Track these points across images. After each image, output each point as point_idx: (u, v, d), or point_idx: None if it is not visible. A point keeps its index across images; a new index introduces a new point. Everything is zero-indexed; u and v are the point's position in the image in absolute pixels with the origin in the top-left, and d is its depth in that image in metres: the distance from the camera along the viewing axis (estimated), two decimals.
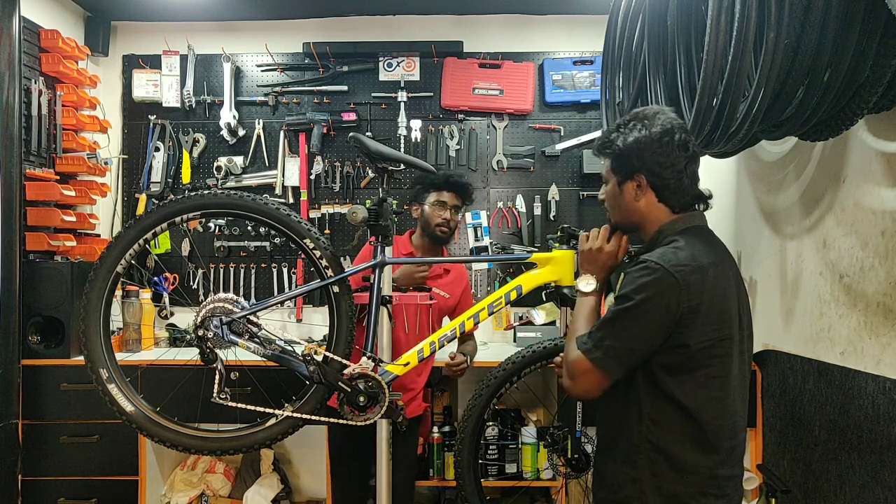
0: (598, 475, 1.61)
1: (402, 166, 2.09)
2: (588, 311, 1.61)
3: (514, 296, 1.96)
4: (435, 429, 2.95)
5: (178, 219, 1.96)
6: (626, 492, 1.48)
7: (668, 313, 1.39)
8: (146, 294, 3.12)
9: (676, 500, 1.44)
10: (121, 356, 2.31)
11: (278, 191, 3.49)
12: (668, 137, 1.47)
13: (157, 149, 3.49)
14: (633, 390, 1.48)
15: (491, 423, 2.86)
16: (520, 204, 3.50)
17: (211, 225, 3.45)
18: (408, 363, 1.95)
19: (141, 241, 1.96)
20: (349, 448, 2.50)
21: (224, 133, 3.48)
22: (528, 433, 2.90)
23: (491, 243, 3.46)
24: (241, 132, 3.50)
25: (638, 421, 1.46)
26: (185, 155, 3.50)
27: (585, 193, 3.48)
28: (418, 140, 3.50)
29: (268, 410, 1.96)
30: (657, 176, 1.50)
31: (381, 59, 3.52)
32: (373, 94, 3.52)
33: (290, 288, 3.45)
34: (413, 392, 2.59)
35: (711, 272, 1.43)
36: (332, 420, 1.98)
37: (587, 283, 1.66)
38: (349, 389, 1.87)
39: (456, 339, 2.05)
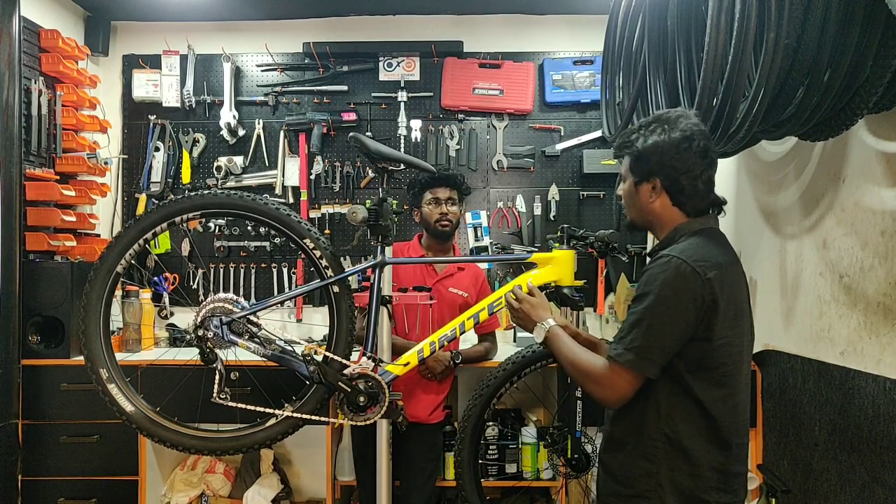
0: (607, 471, 1.61)
1: (402, 166, 2.09)
2: (565, 339, 1.63)
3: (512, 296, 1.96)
4: None
5: (178, 219, 1.97)
6: (642, 486, 1.50)
7: (695, 306, 1.42)
8: (146, 294, 3.12)
9: (690, 494, 1.47)
10: (121, 356, 2.31)
11: (278, 191, 3.49)
12: (686, 144, 1.49)
13: (157, 149, 3.49)
14: (650, 386, 1.49)
15: (491, 423, 2.86)
16: (520, 204, 3.50)
17: (211, 225, 3.45)
18: (408, 363, 1.95)
19: (141, 241, 1.97)
20: (372, 448, 2.49)
21: (224, 133, 3.48)
22: (528, 433, 2.89)
23: (491, 243, 3.47)
24: (241, 132, 3.50)
25: (655, 416, 1.48)
26: (185, 155, 3.50)
27: (585, 193, 3.48)
28: (418, 140, 3.50)
29: (268, 410, 1.96)
30: (672, 180, 1.52)
31: (381, 59, 3.52)
32: (373, 94, 3.52)
33: (290, 288, 3.45)
34: (439, 398, 2.60)
35: (729, 271, 1.47)
36: (331, 420, 1.99)
37: (540, 331, 1.68)
38: (349, 389, 1.87)
39: (457, 339, 2.04)
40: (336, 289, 1.98)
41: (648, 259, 1.55)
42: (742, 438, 1.53)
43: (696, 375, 1.46)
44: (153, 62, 3.52)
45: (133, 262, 2.05)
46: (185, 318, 3.24)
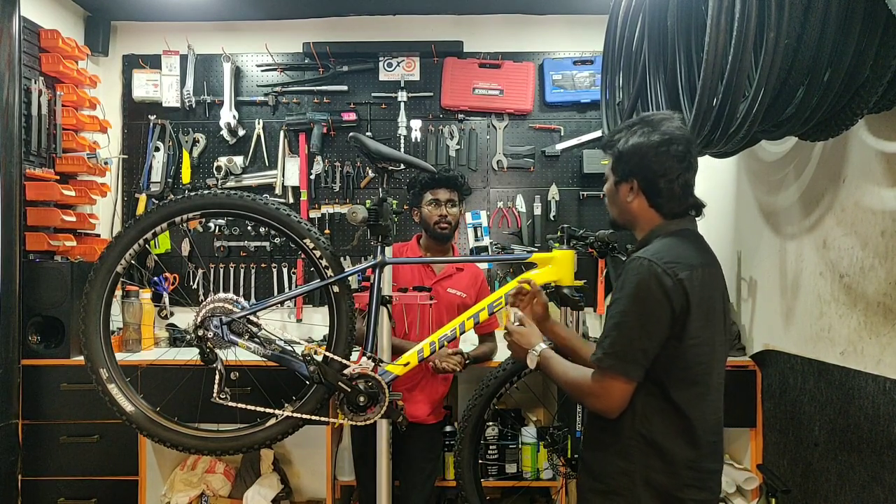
0: (586, 467, 1.65)
1: (402, 166, 2.09)
2: (554, 360, 1.66)
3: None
4: None
5: (178, 219, 1.97)
6: (615, 482, 1.53)
7: (669, 306, 1.43)
8: (146, 294, 3.12)
9: (664, 492, 1.49)
10: (121, 356, 2.31)
11: (278, 191, 3.49)
12: (664, 147, 1.51)
13: (157, 149, 3.49)
14: None
15: (491, 423, 2.86)
16: (520, 204, 3.50)
17: (211, 225, 3.45)
18: (408, 363, 1.95)
19: (141, 241, 1.97)
20: (371, 448, 2.48)
21: (224, 133, 3.48)
22: (528, 433, 2.89)
23: (491, 243, 3.47)
24: (241, 132, 3.50)
25: (631, 415, 1.50)
26: (185, 155, 3.50)
27: (585, 193, 3.48)
28: (418, 140, 3.50)
29: (268, 410, 1.96)
30: (649, 182, 1.55)
31: (381, 59, 3.52)
32: (373, 94, 3.52)
33: (290, 288, 3.45)
34: (439, 398, 2.60)
35: (699, 272, 1.49)
36: (331, 420, 1.99)
37: (532, 358, 1.69)
38: (349, 389, 1.87)
39: (457, 339, 2.04)
40: (336, 289, 1.98)
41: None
42: (714, 437, 1.55)
43: (669, 375, 1.48)
44: (153, 62, 3.52)
45: (133, 262, 2.05)
46: (185, 318, 3.24)
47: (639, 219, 1.60)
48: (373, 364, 1.91)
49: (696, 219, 1.62)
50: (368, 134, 3.47)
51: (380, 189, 2.02)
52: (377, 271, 1.96)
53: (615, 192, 1.63)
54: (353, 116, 3.47)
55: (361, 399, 1.87)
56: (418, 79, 3.53)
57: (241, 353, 1.93)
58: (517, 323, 1.78)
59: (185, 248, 3.45)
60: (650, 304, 1.44)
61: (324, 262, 1.96)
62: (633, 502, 1.50)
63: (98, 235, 3.36)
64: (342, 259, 3.19)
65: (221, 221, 3.44)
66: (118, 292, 2.40)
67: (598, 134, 3.45)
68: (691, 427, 1.49)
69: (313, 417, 1.95)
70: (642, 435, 1.49)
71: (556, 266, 1.94)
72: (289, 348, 1.97)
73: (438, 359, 2.44)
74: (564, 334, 1.86)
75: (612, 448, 1.53)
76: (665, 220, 1.57)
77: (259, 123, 3.51)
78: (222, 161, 3.44)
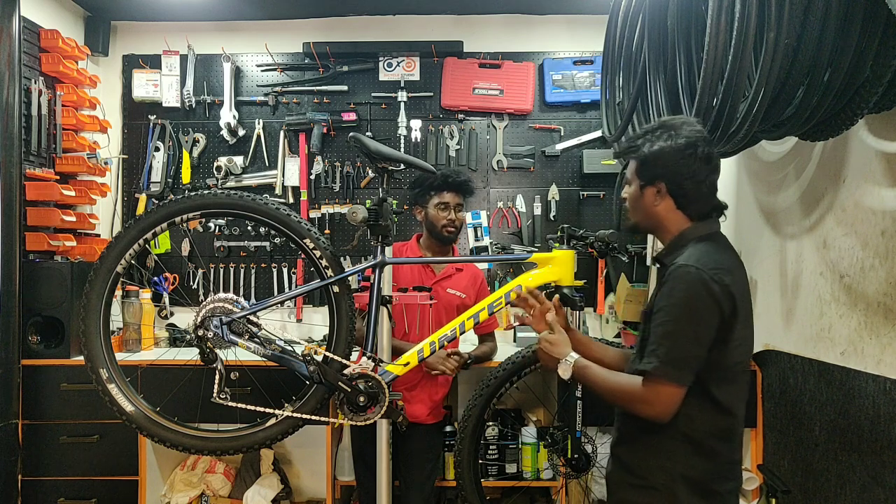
0: (620, 464, 1.66)
1: (402, 166, 2.10)
2: (592, 367, 1.64)
3: (513, 296, 1.96)
4: None
5: (178, 219, 1.97)
6: (655, 478, 1.56)
7: (720, 312, 1.47)
8: (146, 294, 3.11)
9: (703, 486, 1.53)
10: (121, 356, 2.31)
11: (278, 191, 3.49)
12: (691, 150, 1.54)
13: (157, 149, 3.49)
14: None
15: (491, 423, 2.86)
16: (520, 204, 3.50)
17: (211, 225, 3.45)
18: (408, 363, 1.95)
19: (141, 241, 1.97)
20: (371, 448, 2.48)
21: (224, 133, 3.48)
22: (528, 433, 2.89)
23: (491, 243, 3.47)
24: (241, 132, 3.50)
25: (674, 416, 1.51)
26: (185, 155, 3.50)
27: (585, 193, 3.48)
28: (418, 140, 3.50)
29: (268, 410, 1.96)
30: (677, 185, 1.57)
31: (381, 59, 3.52)
32: (373, 94, 3.52)
33: (290, 288, 3.45)
34: (438, 398, 2.60)
35: (738, 274, 1.54)
36: (331, 420, 1.99)
37: (565, 367, 1.66)
38: (349, 389, 1.87)
39: (457, 339, 2.04)
40: (336, 289, 1.98)
41: (653, 263, 1.58)
42: (742, 427, 1.61)
43: (713, 375, 1.50)
44: (153, 62, 3.52)
45: (133, 262, 2.05)
46: (185, 318, 3.24)
47: (665, 221, 1.61)
48: (373, 364, 1.91)
49: (719, 221, 1.64)
50: (368, 134, 3.47)
51: (380, 189, 2.02)
52: (377, 271, 1.96)
53: (640, 196, 1.63)
54: (353, 116, 3.47)
55: (361, 399, 1.87)
56: (418, 79, 3.53)
57: (241, 353, 1.93)
58: (548, 331, 1.75)
59: (185, 248, 3.45)
60: (701, 311, 1.46)
61: (324, 262, 1.96)
62: (669, 495, 1.53)
63: (98, 235, 3.36)
64: (342, 259, 3.19)
65: (221, 221, 3.44)
66: (118, 292, 2.40)
67: (597, 134, 3.45)
68: (731, 422, 1.54)
69: (313, 417, 1.95)
70: (685, 434, 1.52)
71: (556, 266, 1.94)
72: (289, 348, 1.97)
73: (434, 360, 2.43)
74: (582, 339, 1.86)
75: (652, 447, 1.56)
76: (693, 223, 1.60)
77: (259, 123, 3.51)
78: (222, 161, 3.44)
